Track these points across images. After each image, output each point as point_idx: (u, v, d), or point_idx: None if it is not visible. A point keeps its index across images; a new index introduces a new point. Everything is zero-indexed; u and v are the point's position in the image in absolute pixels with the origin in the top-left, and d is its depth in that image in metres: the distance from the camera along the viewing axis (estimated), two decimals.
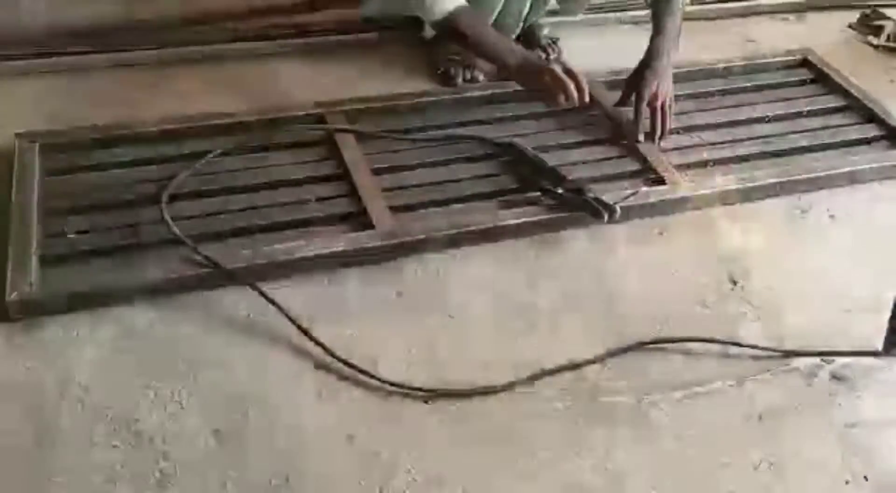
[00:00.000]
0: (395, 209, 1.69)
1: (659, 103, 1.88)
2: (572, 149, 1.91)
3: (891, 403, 1.43)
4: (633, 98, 1.90)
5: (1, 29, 2.13)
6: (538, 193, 1.72)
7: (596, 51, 2.31)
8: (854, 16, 2.52)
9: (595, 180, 1.81)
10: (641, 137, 1.87)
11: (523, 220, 1.69)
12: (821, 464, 1.33)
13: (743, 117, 2.04)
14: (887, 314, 1.49)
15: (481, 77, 2.08)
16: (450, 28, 1.86)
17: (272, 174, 1.76)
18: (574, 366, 1.45)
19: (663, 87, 1.88)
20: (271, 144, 1.83)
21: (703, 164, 1.89)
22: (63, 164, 1.75)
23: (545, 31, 2.24)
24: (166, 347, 1.44)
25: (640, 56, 2.27)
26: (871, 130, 2.02)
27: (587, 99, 1.77)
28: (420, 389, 1.39)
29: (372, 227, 1.64)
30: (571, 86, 1.75)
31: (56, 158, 1.76)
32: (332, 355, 1.42)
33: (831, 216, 1.80)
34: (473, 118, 1.97)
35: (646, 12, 2.44)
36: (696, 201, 1.79)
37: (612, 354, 1.47)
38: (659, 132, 1.88)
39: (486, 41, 1.85)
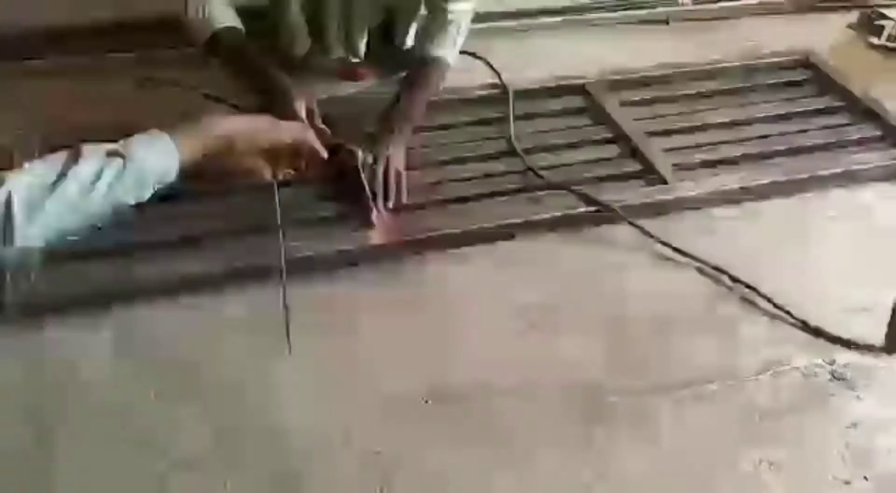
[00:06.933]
0: (395, 209, 1.69)
1: (381, 174, 1.68)
2: (572, 149, 1.91)
3: (891, 403, 1.43)
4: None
5: (1, 29, 2.13)
6: None
7: (595, 51, 2.31)
8: (854, 16, 2.52)
9: (595, 180, 1.81)
10: (375, 209, 1.66)
11: (524, 220, 1.69)
12: (821, 464, 1.33)
13: (743, 117, 2.04)
14: (887, 314, 1.49)
15: None
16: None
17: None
18: (575, 366, 1.45)
19: (392, 161, 1.69)
20: None
21: (703, 164, 1.89)
22: None
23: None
24: (166, 347, 1.44)
25: (639, 56, 2.29)
26: (871, 130, 2.01)
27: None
28: (420, 389, 1.39)
29: (372, 226, 1.64)
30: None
31: None
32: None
33: (831, 216, 1.80)
34: (470, 118, 1.97)
35: (646, 12, 2.45)
36: (696, 201, 1.79)
37: (611, 353, 1.47)
38: (383, 201, 1.67)
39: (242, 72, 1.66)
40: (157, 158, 1.06)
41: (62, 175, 0.99)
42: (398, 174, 1.71)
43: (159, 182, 1.08)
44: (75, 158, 1.00)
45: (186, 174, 1.13)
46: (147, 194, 1.07)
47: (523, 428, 1.35)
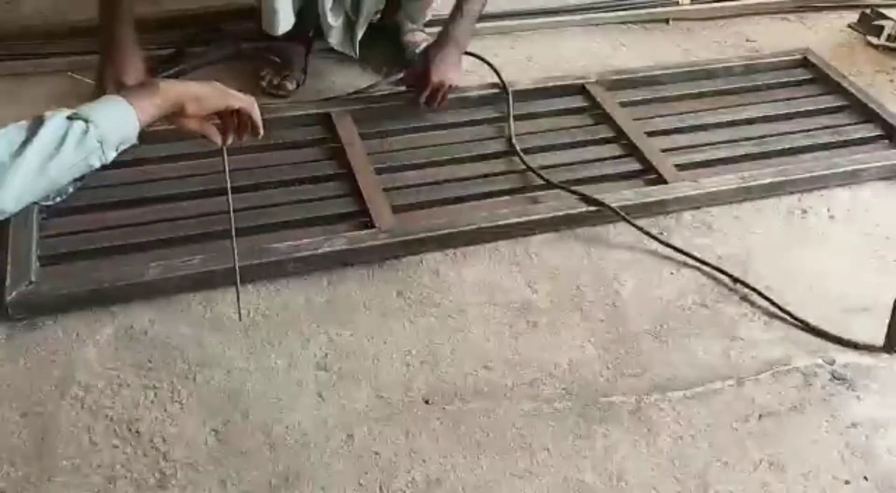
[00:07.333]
0: (395, 209, 1.69)
1: (441, 91, 1.90)
2: (572, 148, 1.91)
3: (891, 403, 1.43)
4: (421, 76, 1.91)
5: (1, 29, 2.13)
6: None
7: (595, 51, 2.31)
8: (854, 16, 2.52)
9: (595, 180, 1.81)
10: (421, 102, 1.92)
11: (524, 219, 1.69)
12: (821, 464, 1.33)
13: (743, 117, 2.04)
14: (887, 314, 1.49)
15: (290, 85, 2.05)
16: None
17: (274, 174, 1.76)
18: (574, 366, 1.45)
19: (449, 76, 1.89)
20: (274, 144, 1.83)
21: (703, 164, 1.89)
22: None
23: (418, 48, 2.14)
24: (166, 347, 1.44)
25: (639, 56, 2.29)
26: (871, 130, 2.01)
27: None
28: (420, 389, 1.40)
29: (373, 226, 1.64)
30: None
31: None
32: None
33: (831, 216, 1.80)
34: (470, 118, 1.97)
35: (646, 12, 2.45)
36: (697, 201, 1.79)
37: (611, 353, 1.47)
38: (432, 106, 1.93)
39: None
40: (118, 121, 1.11)
41: (27, 140, 1.02)
42: (447, 88, 1.89)
43: (122, 144, 1.12)
44: (38, 123, 1.04)
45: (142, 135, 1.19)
46: (111, 156, 1.11)
47: (523, 428, 1.35)
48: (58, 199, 1.11)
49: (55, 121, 1.05)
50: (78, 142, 1.05)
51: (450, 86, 1.89)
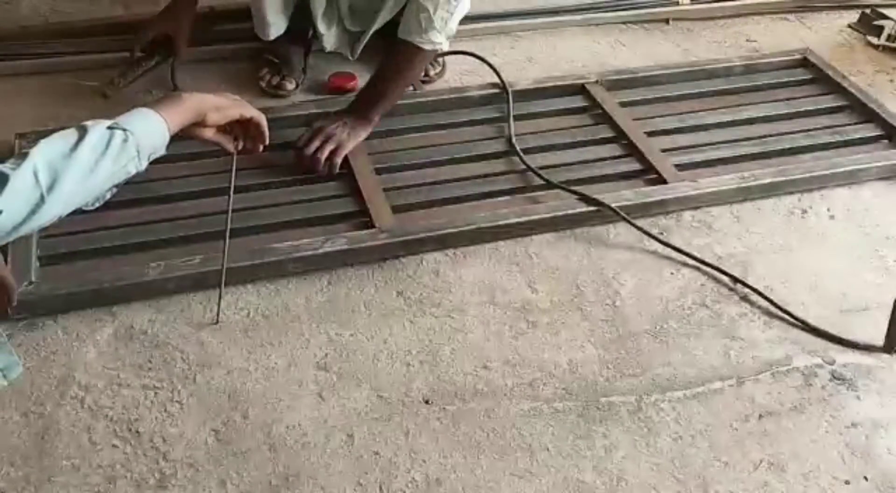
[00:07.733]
0: (395, 209, 1.69)
1: (323, 149, 1.75)
2: (572, 148, 1.91)
3: (891, 403, 1.43)
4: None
5: (1, 29, 2.13)
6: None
7: (595, 51, 2.31)
8: (854, 16, 2.52)
9: (595, 180, 1.81)
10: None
11: (524, 219, 1.69)
12: (821, 464, 1.33)
13: (743, 117, 2.04)
14: (887, 314, 1.49)
15: (289, 85, 2.05)
16: None
17: (274, 174, 1.76)
18: (574, 366, 1.45)
19: (345, 139, 1.77)
20: (273, 144, 1.82)
21: (703, 164, 1.89)
22: None
23: None
24: (166, 347, 1.44)
25: (639, 56, 2.29)
26: (871, 130, 2.01)
27: None
28: (420, 389, 1.39)
29: (373, 226, 1.64)
30: None
31: None
32: None
33: (831, 216, 1.80)
34: (470, 118, 1.97)
35: (646, 12, 2.45)
36: (697, 201, 1.79)
37: (611, 353, 1.47)
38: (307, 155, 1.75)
39: None
40: (151, 131, 1.17)
41: (77, 144, 1.08)
42: (328, 151, 1.75)
43: (153, 153, 1.18)
44: (83, 130, 1.10)
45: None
46: (145, 164, 1.17)
47: (523, 428, 1.35)
48: (96, 204, 1.17)
49: (98, 129, 1.10)
50: (119, 150, 1.11)
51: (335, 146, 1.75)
